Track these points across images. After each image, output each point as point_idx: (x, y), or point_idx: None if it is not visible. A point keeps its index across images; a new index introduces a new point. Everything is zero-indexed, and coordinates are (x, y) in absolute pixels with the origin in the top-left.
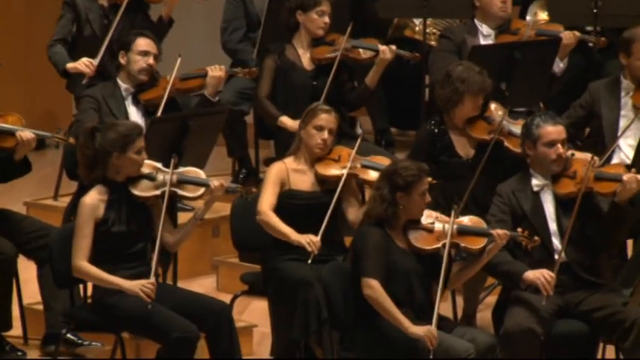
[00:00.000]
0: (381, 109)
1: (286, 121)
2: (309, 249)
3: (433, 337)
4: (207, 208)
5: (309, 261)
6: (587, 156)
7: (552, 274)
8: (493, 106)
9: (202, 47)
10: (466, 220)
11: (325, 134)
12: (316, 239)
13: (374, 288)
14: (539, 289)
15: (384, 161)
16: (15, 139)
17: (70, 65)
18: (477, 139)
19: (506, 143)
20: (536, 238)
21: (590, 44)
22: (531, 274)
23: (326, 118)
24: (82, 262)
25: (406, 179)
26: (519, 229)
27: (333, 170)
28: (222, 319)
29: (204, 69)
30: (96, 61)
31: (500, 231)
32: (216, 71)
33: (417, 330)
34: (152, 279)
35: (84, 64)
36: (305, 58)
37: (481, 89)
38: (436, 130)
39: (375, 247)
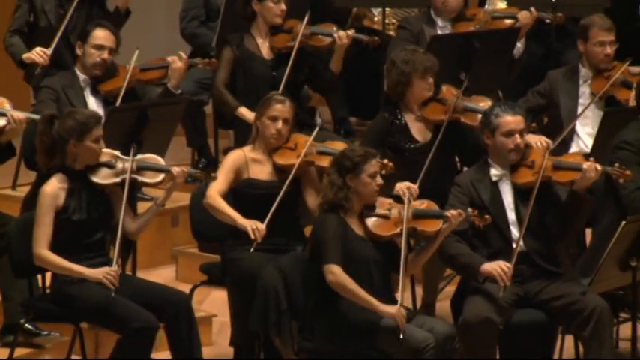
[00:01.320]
0: (340, 99)
1: (244, 112)
2: (252, 236)
3: (403, 316)
4: (168, 195)
5: (252, 249)
6: (542, 138)
7: (509, 265)
8: (445, 88)
9: (163, 37)
10: (419, 203)
11: (279, 124)
12: (262, 227)
13: (336, 273)
14: (496, 281)
15: (340, 147)
16: (2, 122)
17: (25, 56)
18: (432, 121)
19: (462, 119)
20: (487, 216)
21: (548, 21)
22: (488, 266)
23: (280, 109)
24: (43, 250)
25: (353, 160)
26: (470, 209)
27: (289, 159)
28: (182, 309)
29: (165, 60)
30: (49, 51)
31: (453, 211)
32: (177, 62)
33: (388, 309)
34: (115, 267)
35: (37, 54)
36: (264, 48)
37: (427, 68)
38: (391, 118)
39: (333, 234)
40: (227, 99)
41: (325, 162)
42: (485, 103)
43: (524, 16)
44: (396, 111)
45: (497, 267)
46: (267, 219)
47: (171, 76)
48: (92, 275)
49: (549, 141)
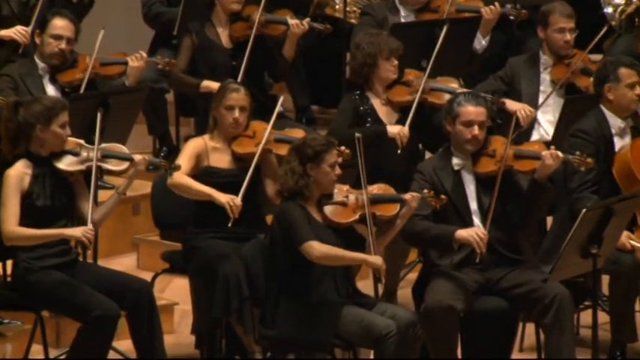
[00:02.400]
0: (302, 87)
1: (209, 84)
2: (230, 213)
3: (377, 265)
4: (130, 183)
5: (230, 224)
6: (525, 107)
7: (484, 232)
8: (409, 71)
9: (123, 27)
10: (376, 188)
11: (236, 113)
12: (239, 202)
13: (316, 247)
14: (473, 247)
15: (298, 134)
16: None
17: (3, 32)
18: (398, 102)
19: (429, 99)
20: (442, 196)
21: (512, 17)
22: (464, 232)
23: (235, 97)
24: (13, 227)
25: (315, 149)
26: (425, 190)
27: (248, 147)
28: (143, 297)
29: (125, 57)
30: (29, 29)
31: (410, 194)
32: (136, 61)
33: (375, 259)
34: (90, 225)
35: (19, 33)
36: (224, 36)
37: (392, 50)
38: (358, 100)
39: (300, 216)
40: (187, 80)
41: (283, 150)
42: (454, 84)
43: (488, 12)
44: (362, 95)
45: (474, 233)
46: (241, 195)
47: (130, 74)
48: (72, 234)
49: (532, 109)
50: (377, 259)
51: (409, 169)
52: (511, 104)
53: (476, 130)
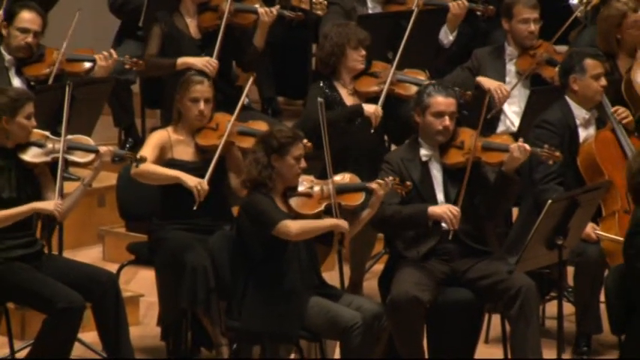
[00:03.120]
0: (268, 78)
1: (186, 59)
2: (197, 195)
3: (345, 228)
4: (95, 175)
5: (195, 207)
6: (502, 86)
7: (457, 209)
8: (376, 63)
9: (91, 18)
10: (340, 178)
11: (201, 105)
12: (205, 186)
13: (290, 225)
14: (446, 223)
15: (261, 127)
16: None
17: None
18: (365, 93)
19: (396, 90)
20: (407, 183)
21: (479, 13)
22: (437, 209)
23: (200, 89)
24: None
25: (280, 141)
26: (391, 178)
27: (211, 140)
28: (109, 288)
29: (93, 55)
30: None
31: (376, 182)
32: (104, 60)
33: (343, 222)
34: (59, 200)
35: None
36: (192, 27)
37: (360, 40)
38: (326, 89)
39: (267, 202)
40: (161, 62)
41: (246, 143)
42: (421, 77)
43: (456, 7)
44: (329, 85)
45: (447, 209)
46: (207, 177)
47: (97, 72)
48: (44, 207)
49: (508, 89)
50: (344, 223)
51: (374, 160)
52: (486, 82)
53: (447, 120)
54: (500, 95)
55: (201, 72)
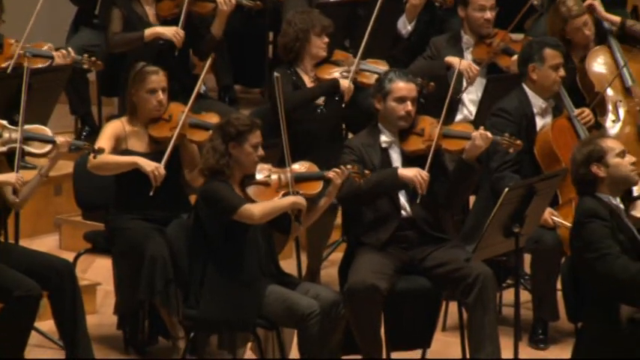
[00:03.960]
0: (225, 67)
1: (153, 30)
2: (153, 180)
3: (303, 204)
4: (52, 164)
5: (151, 193)
6: (472, 65)
7: (427, 173)
8: (337, 51)
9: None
10: (299, 166)
11: (160, 95)
12: (162, 170)
13: (252, 208)
14: (415, 187)
15: (213, 119)
16: None
17: None
18: (327, 81)
19: (359, 79)
20: (366, 171)
21: (437, 4)
22: (407, 171)
23: (156, 80)
24: None
25: (238, 128)
26: (349, 166)
27: (163, 132)
28: (65, 277)
29: (52, 52)
30: None
31: (334, 171)
32: (62, 58)
33: (301, 200)
34: (19, 173)
35: None
36: (151, 15)
37: (324, 27)
38: (289, 72)
39: (227, 189)
40: (128, 36)
41: (197, 136)
42: (382, 66)
43: None
44: (292, 71)
45: (417, 173)
46: (163, 162)
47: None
48: (6, 180)
49: (477, 68)
50: (302, 200)
51: (333, 148)
52: (456, 61)
53: (409, 105)
54: (471, 74)
55: (157, 60)
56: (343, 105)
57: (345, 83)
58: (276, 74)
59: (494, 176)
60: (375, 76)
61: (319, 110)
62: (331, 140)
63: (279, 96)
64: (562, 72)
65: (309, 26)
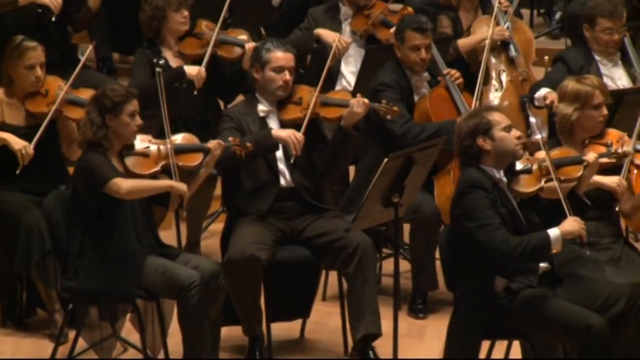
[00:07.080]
0: (104, 37)
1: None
2: (20, 160)
3: (182, 190)
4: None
5: (18, 171)
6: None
7: (301, 135)
8: (201, 22)
9: None
10: (179, 138)
11: (38, 71)
12: (31, 150)
13: (120, 183)
14: (289, 147)
15: (87, 94)
16: None
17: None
18: (190, 55)
19: (219, 52)
20: (248, 144)
21: None
22: (281, 132)
23: (35, 56)
24: None
25: (113, 100)
26: (230, 138)
27: (40, 107)
28: None
29: None
30: None
31: (213, 142)
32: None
33: (179, 184)
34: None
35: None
36: None
37: (181, 2)
38: (150, 54)
39: (100, 159)
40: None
41: (74, 112)
42: (243, 36)
43: None
44: (154, 49)
45: (291, 133)
46: (33, 144)
47: None
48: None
49: (348, 40)
50: (182, 185)
51: (207, 124)
52: (327, 35)
53: (287, 75)
54: (341, 47)
55: (36, 27)
56: (195, 92)
57: (194, 70)
58: (157, 70)
59: (406, 136)
60: (238, 48)
61: (184, 86)
62: (204, 116)
63: (160, 87)
64: (423, 54)
65: (165, 3)
